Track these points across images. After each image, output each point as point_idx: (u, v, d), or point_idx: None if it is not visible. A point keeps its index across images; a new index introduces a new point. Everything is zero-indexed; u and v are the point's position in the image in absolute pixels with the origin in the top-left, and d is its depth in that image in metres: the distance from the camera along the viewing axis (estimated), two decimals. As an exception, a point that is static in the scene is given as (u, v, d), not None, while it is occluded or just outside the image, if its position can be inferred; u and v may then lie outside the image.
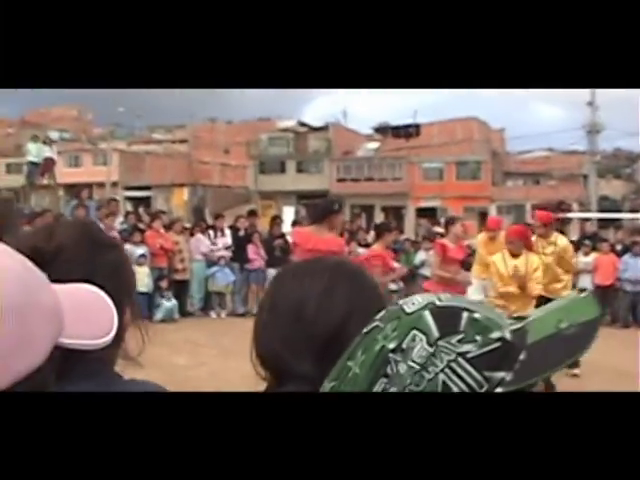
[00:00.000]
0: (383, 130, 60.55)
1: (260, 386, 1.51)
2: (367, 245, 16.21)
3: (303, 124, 59.55)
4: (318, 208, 8.32)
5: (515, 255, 8.85)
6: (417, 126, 57.48)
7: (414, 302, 1.06)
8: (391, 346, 1.02)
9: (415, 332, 1.01)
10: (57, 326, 0.89)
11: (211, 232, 17.00)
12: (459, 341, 0.99)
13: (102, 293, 1.05)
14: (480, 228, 20.01)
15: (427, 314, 1.03)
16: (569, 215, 21.09)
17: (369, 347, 1.04)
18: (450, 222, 10.43)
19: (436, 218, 29.58)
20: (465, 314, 1.02)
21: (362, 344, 1.06)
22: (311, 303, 1.49)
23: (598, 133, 38.64)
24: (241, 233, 17.15)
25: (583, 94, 38.67)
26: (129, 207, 29.03)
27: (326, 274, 1.54)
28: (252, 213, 18.41)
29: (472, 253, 12.31)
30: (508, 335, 1.00)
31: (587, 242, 16.85)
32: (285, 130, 58.13)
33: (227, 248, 16.94)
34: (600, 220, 25.10)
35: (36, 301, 0.85)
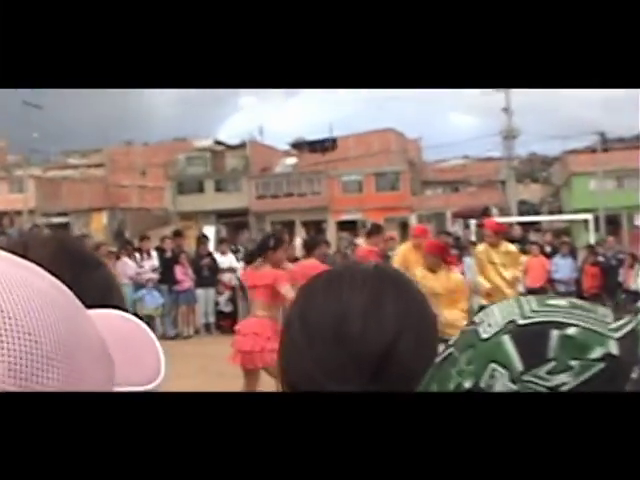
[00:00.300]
0: (300, 145, 60.69)
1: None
2: (296, 259, 16.19)
3: (219, 142, 59.42)
4: (256, 247, 8.54)
5: (433, 271, 8.54)
6: (334, 140, 57.84)
7: (491, 323, 0.83)
8: (467, 385, 0.80)
9: (494, 366, 0.79)
10: (108, 369, 0.68)
11: (137, 255, 16.64)
12: (549, 372, 0.77)
13: (139, 321, 0.83)
14: (402, 239, 20.03)
15: (507, 340, 0.80)
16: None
17: (443, 383, 0.82)
18: (374, 232, 10.19)
19: (357, 230, 29.67)
20: (554, 333, 0.77)
21: (436, 378, 0.84)
22: (355, 318, 1.25)
23: (514, 138, 39.32)
24: (168, 254, 16.86)
25: (498, 100, 39.31)
26: (47, 234, 28.51)
27: (368, 282, 1.31)
28: (178, 234, 18.19)
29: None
30: (614, 348, 0.77)
31: (516, 246, 17.01)
32: (202, 150, 57.83)
33: (154, 270, 16.63)
34: (520, 224, 25.44)
35: (82, 335, 0.64)
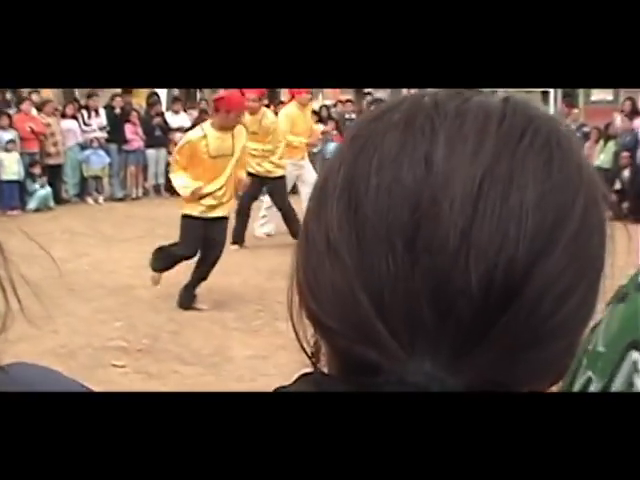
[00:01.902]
0: None
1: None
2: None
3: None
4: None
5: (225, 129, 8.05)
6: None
7: None
8: None
9: None
10: None
11: (84, 112, 16.06)
12: None
13: None
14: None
15: None
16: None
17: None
18: None
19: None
20: None
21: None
22: (454, 204, 0.61)
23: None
24: (117, 112, 16.32)
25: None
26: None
27: (487, 132, 0.64)
28: (127, 91, 17.54)
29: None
30: None
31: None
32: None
33: (102, 129, 16.12)
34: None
35: None
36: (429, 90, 0.74)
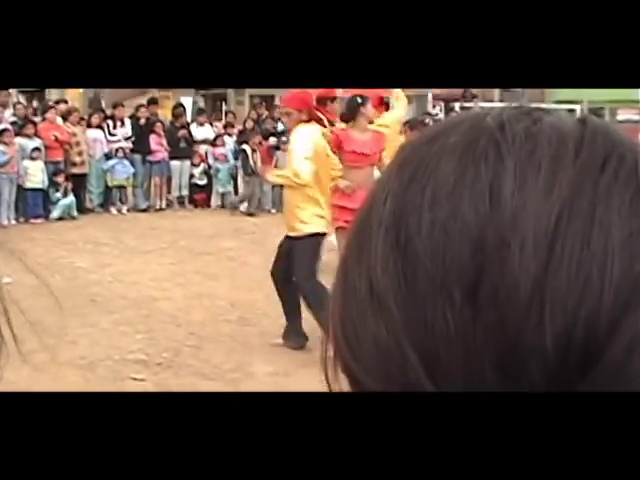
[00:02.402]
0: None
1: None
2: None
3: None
4: (347, 108, 8.15)
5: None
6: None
7: None
8: None
9: None
10: None
11: (110, 122, 16.07)
12: None
13: None
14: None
15: None
16: (472, 105, 21.03)
17: None
18: (361, 104, 8.16)
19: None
20: None
21: None
22: (538, 249, 0.50)
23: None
24: (142, 122, 16.31)
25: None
26: (22, 100, 27.76)
27: (566, 163, 0.53)
28: (153, 101, 17.56)
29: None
30: None
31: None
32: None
33: (127, 139, 16.12)
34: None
35: None
36: (490, 106, 0.62)
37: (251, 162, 16.14)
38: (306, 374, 5.96)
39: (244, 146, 16.32)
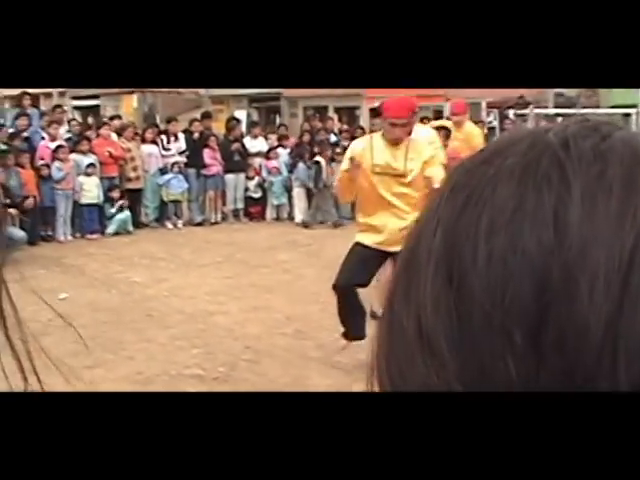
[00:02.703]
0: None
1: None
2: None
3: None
4: None
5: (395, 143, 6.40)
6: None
7: None
8: None
9: None
10: None
11: (164, 137, 16.17)
12: None
13: None
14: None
15: None
16: (526, 111, 20.84)
17: None
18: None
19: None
20: None
21: None
22: (611, 286, 0.43)
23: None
24: (196, 137, 16.37)
25: None
26: (77, 117, 28.13)
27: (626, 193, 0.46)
28: (207, 115, 17.63)
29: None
30: None
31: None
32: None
33: (181, 153, 16.20)
34: (557, 116, 24.78)
35: None
36: (545, 112, 0.53)
37: (323, 175, 16.10)
38: (364, 388, 5.87)
39: (318, 158, 16.26)
